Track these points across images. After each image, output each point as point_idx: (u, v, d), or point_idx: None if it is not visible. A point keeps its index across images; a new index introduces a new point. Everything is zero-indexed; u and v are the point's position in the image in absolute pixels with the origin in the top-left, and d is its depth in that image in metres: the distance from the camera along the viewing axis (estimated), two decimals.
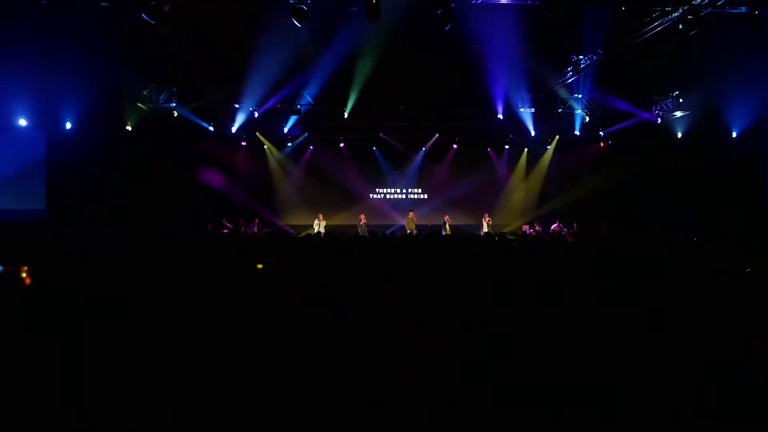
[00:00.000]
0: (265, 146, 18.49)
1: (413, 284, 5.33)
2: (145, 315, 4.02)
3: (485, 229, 17.30)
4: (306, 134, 17.80)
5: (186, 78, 14.25)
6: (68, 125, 15.30)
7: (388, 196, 19.51)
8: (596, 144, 18.85)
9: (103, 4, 9.40)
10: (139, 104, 15.08)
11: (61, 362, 3.17)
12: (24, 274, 4.88)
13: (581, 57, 13.05)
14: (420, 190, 19.67)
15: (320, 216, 17.01)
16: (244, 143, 18.29)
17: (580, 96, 15.72)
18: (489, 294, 4.86)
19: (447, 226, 17.00)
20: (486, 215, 17.55)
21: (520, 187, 19.90)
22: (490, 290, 5.00)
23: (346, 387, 2.99)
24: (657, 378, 3.10)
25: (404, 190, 19.59)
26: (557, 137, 18.65)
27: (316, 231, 16.70)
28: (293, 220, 18.62)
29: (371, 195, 19.31)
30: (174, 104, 15.18)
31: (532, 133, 17.34)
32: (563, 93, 15.56)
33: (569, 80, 14.40)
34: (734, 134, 15.69)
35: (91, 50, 11.46)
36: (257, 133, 18.05)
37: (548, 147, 19.01)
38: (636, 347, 3.55)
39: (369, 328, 3.86)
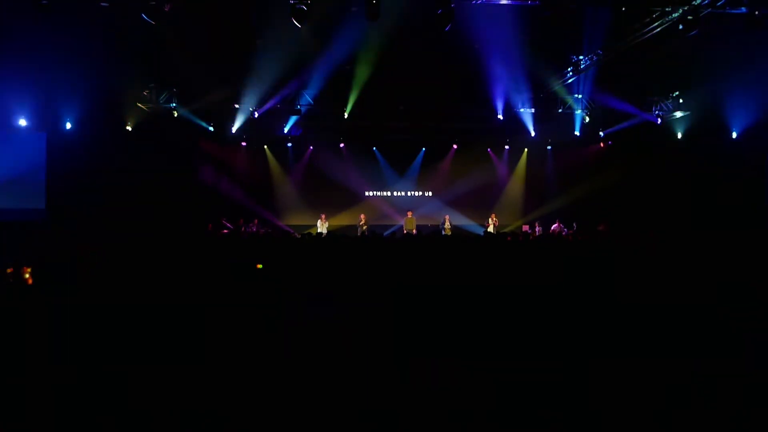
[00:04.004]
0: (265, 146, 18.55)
1: (413, 286, 5.33)
2: (146, 315, 4.02)
3: (491, 229, 17.31)
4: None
5: (186, 78, 14.23)
6: (68, 125, 15.29)
7: (388, 196, 19.50)
8: (596, 144, 18.86)
9: (103, 4, 9.39)
10: (139, 104, 15.07)
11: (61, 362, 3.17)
12: (27, 275, 4.88)
13: (581, 57, 13.04)
14: (420, 191, 19.66)
15: (323, 216, 17.03)
16: (243, 143, 18.31)
17: (580, 96, 15.70)
18: (490, 295, 4.86)
19: (447, 227, 17.00)
20: (493, 215, 17.52)
21: (520, 187, 19.89)
22: (490, 292, 5.00)
23: (346, 390, 2.99)
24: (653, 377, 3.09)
25: (404, 191, 19.59)
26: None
27: (318, 231, 16.72)
28: (293, 220, 18.61)
29: (371, 195, 19.30)
30: (174, 104, 15.17)
31: (532, 134, 17.34)
32: (563, 93, 15.55)
33: (569, 80, 14.38)
34: (734, 134, 15.68)
35: (91, 50, 11.44)
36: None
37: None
38: (633, 346, 3.55)
39: (369, 330, 3.85)
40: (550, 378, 3.09)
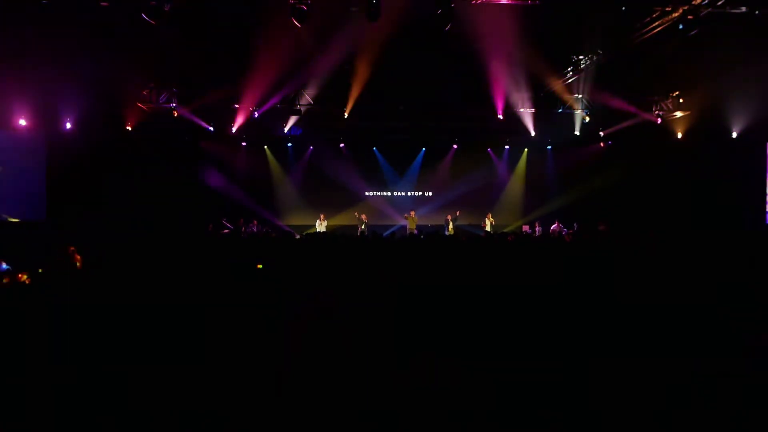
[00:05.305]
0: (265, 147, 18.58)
1: (416, 288, 5.32)
2: (146, 315, 4.02)
3: (488, 228, 17.35)
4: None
5: (186, 78, 14.23)
6: (68, 125, 15.29)
7: (388, 196, 19.51)
8: (596, 144, 18.86)
9: (103, 4, 9.39)
10: (139, 104, 15.07)
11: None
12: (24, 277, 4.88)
13: (581, 57, 13.03)
14: (420, 191, 19.68)
15: (321, 216, 17.07)
16: (244, 143, 18.32)
17: (580, 96, 15.70)
18: (490, 295, 4.86)
19: (450, 226, 16.99)
20: (489, 215, 17.62)
21: (520, 187, 19.91)
22: (490, 292, 5.00)
23: (346, 390, 2.98)
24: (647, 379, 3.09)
25: (404, 191, 19.60)
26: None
27: (317, 231, 16.76)
28: (293, 220, 18.64)
29: (371, 195, 19.32)
30: (174, 104, 15.17)
31: (532, 134, 17.34)
32: (563, 93, 15.54)
33: (569, 80, 14.38)
34: (734, 134, 15.68)
35: (91, 50, 11.43)
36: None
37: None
38: (633, 346, 3.55)
39: (368, 330, 3.85)
40: (550, 378, 3.09)
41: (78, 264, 7.56)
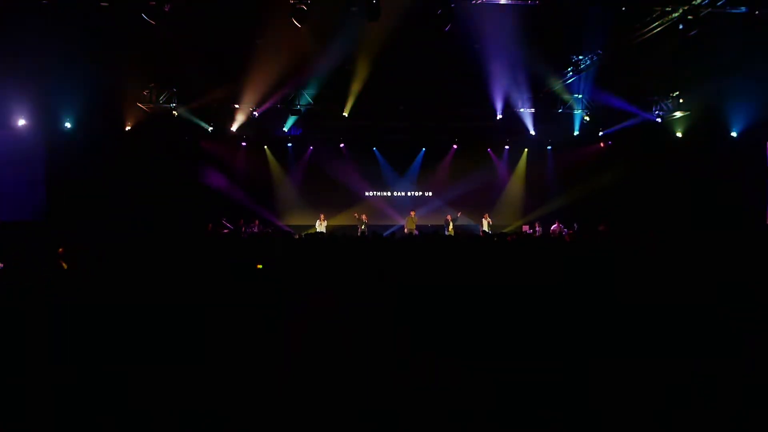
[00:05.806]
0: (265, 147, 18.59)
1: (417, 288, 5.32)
2: (146, 315, 4.02)
3: (485, 228, 17.35)
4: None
5: (186, 78, 14.24)
6: (68, 125, 15.29)
7: (388, 196, 19.51)
8: (596, 144, 18.86)
9: (103, 4, 9.39)
10: (139, 104, 15.07)
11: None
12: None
13: (581, 57, 13.03)
14: (420, 191, 19.68)
15: (321, 216, 17.07)
16: (244, 143, 18.31)
17: (580, 96, 15.70)
18: (490, 295, 4.86)
19: (450, 226, 16.99)
20: (486, 215, 17.63)
21: (520, 187, 19.91)
22: (490, 292, 5.00)
23: (347, 390, 2.99)
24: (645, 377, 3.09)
25: (404, 191, 19.60)
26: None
27: (317, 231, 16.77)
28: (293, 220, 18.65)
29: (371, 195, 19.33)
30: (174, 104, 15.17)
31: (532, 133, 17.33)
32: (563, 93, 15.55)
33: (569, 80, 14.38)
34: (734, 134, 15.68)
35: (91, 50, 11.44)
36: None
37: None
38: (633, 346, 3.55)
39: (369, 330, 3.85)
40: (550, 378, 3.09)
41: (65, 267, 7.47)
